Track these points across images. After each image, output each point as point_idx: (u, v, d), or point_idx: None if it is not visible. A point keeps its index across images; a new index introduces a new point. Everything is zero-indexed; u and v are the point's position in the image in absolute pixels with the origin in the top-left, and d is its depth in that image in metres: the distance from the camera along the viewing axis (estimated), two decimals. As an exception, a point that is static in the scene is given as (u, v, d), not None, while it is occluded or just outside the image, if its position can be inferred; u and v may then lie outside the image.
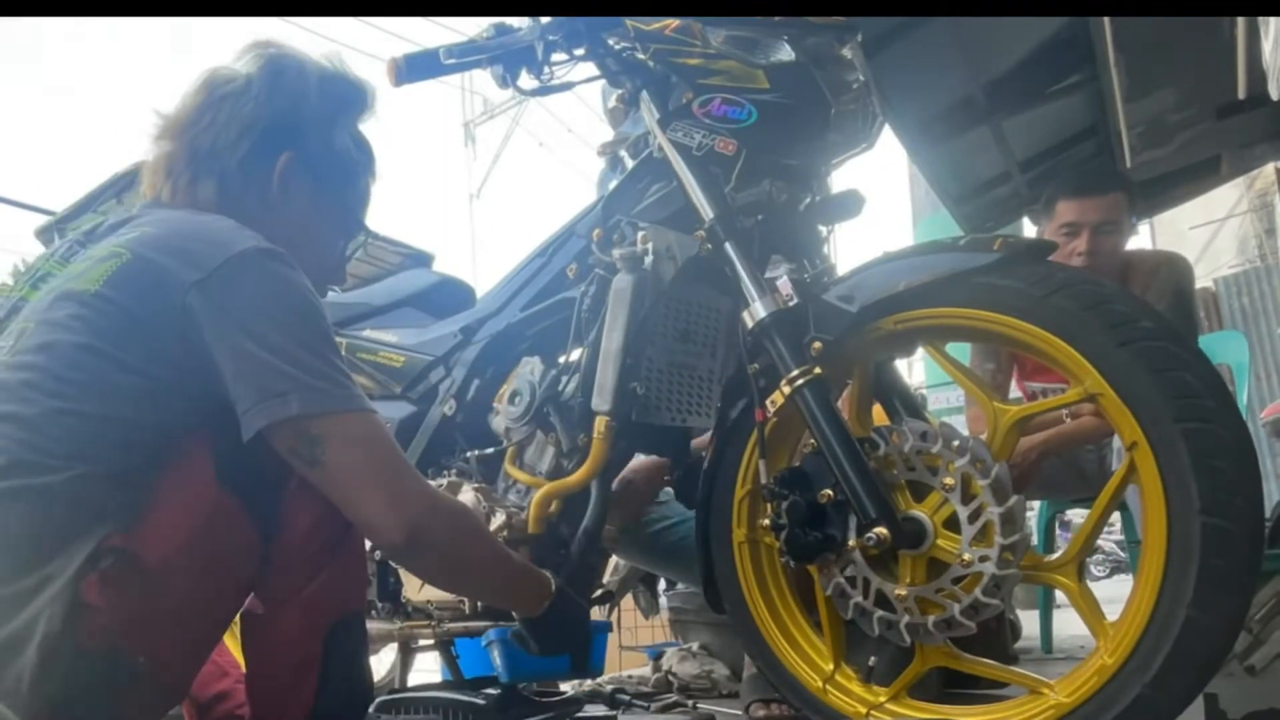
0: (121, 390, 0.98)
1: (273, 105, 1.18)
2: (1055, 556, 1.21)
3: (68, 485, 0.94)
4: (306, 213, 1.22)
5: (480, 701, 1.53)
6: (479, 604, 1.51)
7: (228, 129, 1.16)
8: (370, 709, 1.55)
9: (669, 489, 2.01)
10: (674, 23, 1.40)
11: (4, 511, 0.93)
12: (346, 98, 1.25)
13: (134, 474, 0.97)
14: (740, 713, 1.99)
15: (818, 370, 1.22)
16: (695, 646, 2.60)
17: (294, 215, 1.20)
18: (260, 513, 1.04)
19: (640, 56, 1.42)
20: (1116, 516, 2.58)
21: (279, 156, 1.18)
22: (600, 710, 2.05)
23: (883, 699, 1.27)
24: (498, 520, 1.46)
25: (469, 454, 1.60)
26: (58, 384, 0.97)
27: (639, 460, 1.81)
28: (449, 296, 1.84)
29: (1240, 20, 2.77)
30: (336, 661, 1.10)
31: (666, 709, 2.18)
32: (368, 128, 1.30)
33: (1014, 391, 2.61)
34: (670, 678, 2.52)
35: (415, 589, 1.57)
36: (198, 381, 1.00)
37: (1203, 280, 8.46)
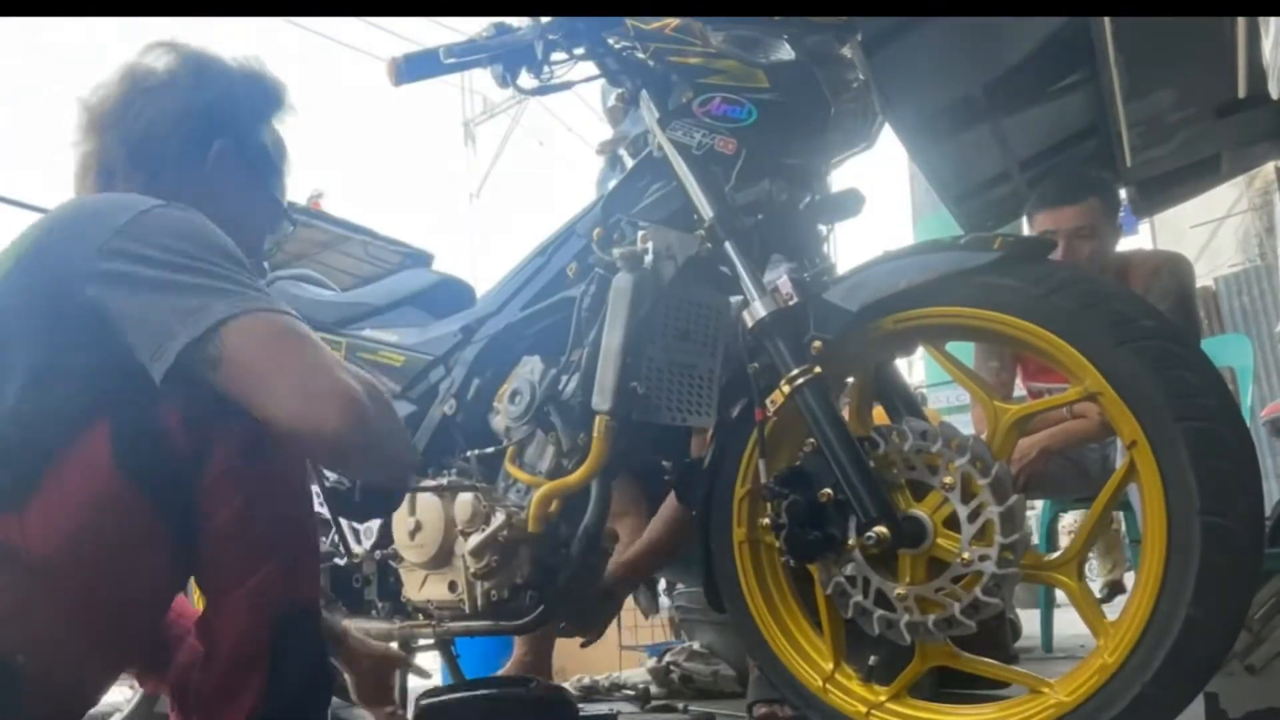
0: (14, 377, 0.96)
1: (202, 96, 1.18)
2: (1055, 555, 1.21)
3: None
4: (236, 202, 1.22)
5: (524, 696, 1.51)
6: (479, 604, 1.51)
7: (160, 120, 1.16)
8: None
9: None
10: (674, 22, 1.40)
11: None
12: (269, 93, 1.28)
13: (19, 462, 0.94)
14: (740, 714, 1.99)
15: (818, 369, 1.22)
16: (697, 645, 2.60)
17: (224, 204, 1.19)
18: (171, 501, 0.98)
19: (640, 56, 1.42)
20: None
21: (211, 145, 1.19)
22: (600, 709, 2.06)
23: (883, 698, 1.27)
24: (498, 519, 1.46)
25: (469, 453, 1.59)
26: None
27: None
28: (449, 296, 1.84)
29: (1240, 19, 2.77)
30: (286, 660, 1.03)
31: (664, 709, 2.18)
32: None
33: (1018, 391, 2.61)
34: (671, 670, 2.52)
35: (415, 588, 1.57)
36: (96, 356, 0.97)
37: (1203, 279, 8.46)
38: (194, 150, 1.18)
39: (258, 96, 1.26)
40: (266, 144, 1.28)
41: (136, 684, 1.87)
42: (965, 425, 2.80)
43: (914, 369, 8.38)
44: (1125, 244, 2.45)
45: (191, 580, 1.12)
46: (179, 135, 1.17)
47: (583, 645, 1.94)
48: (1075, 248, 2.25)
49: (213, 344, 0.94)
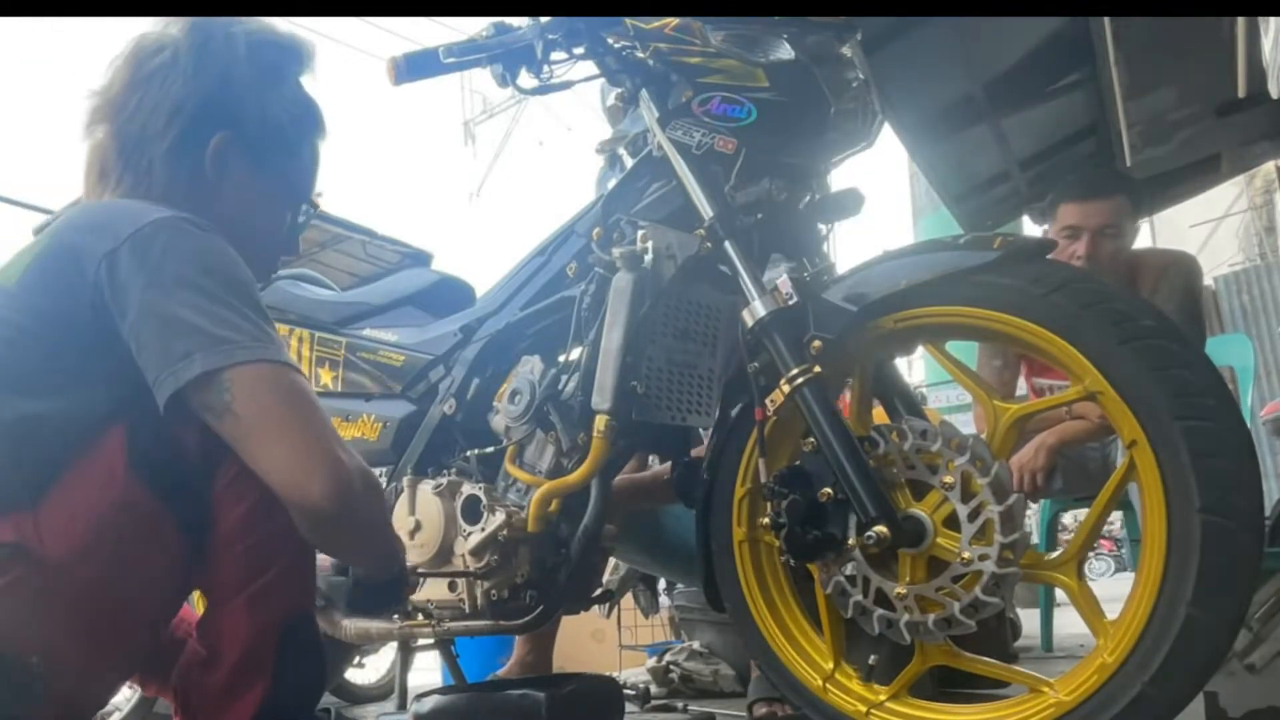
0: (32, 380, 0.96)
1: (201, 81, 1.12)
2: (1055, 555, 1.21)
3: None
4: (246, 192, 1.18)
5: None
6: (479, 603, 1.51)
7: (156, 114, 1.11)
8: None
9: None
10: (674, 22, 1.40)
11: None
12: (280, 63, 1.20)
13: (38, 465, 0.94)
14: (740, 713, 1.99)
15: (817, 369, 1.22)
16: (697, 645, 2.60)
17: (232, 196, 1.16)
18: (184, 506, 0.98)
19: (640, 55, 1.42)
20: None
21: (210, 138, 1.13)
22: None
23: (883, 698, 1.27)
24: (497, 519, 1.46)
25: (469, 453, 1.60)
26: None
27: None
28: (448, 295, 1.84)
29: (1240, 19, 2.77)
30: (288, 664, 1.05)
31: (664, 709, 2.18)
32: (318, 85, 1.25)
33: (1021, 389, 2.61)
34: (671, 670, 2.52)
35: (415, 588, 1.57)
36: (111, 362, 0.96)
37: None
38: (191, 145, 1.13)
39: (266, 71, 1.17)
40: (276, 123, 1.18)
41: (139, 687, 1.87)
42: (965, 425, 2.79)
43: (914, 369, 8.38)
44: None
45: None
46: (174, 131, 1.12)
47: None
48: (1099, 244, 2.21)
49: (215, 391, 0.94)
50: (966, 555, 1.13)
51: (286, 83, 1.21)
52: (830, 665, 1.34)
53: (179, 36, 1.14)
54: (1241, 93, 3.16)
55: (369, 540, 1.08)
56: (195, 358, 0.93)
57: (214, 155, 1.14)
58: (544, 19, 1.41)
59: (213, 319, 0.95)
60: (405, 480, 1.59)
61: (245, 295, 1.00)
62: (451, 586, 1.53)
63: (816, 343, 1.24)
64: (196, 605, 1.26)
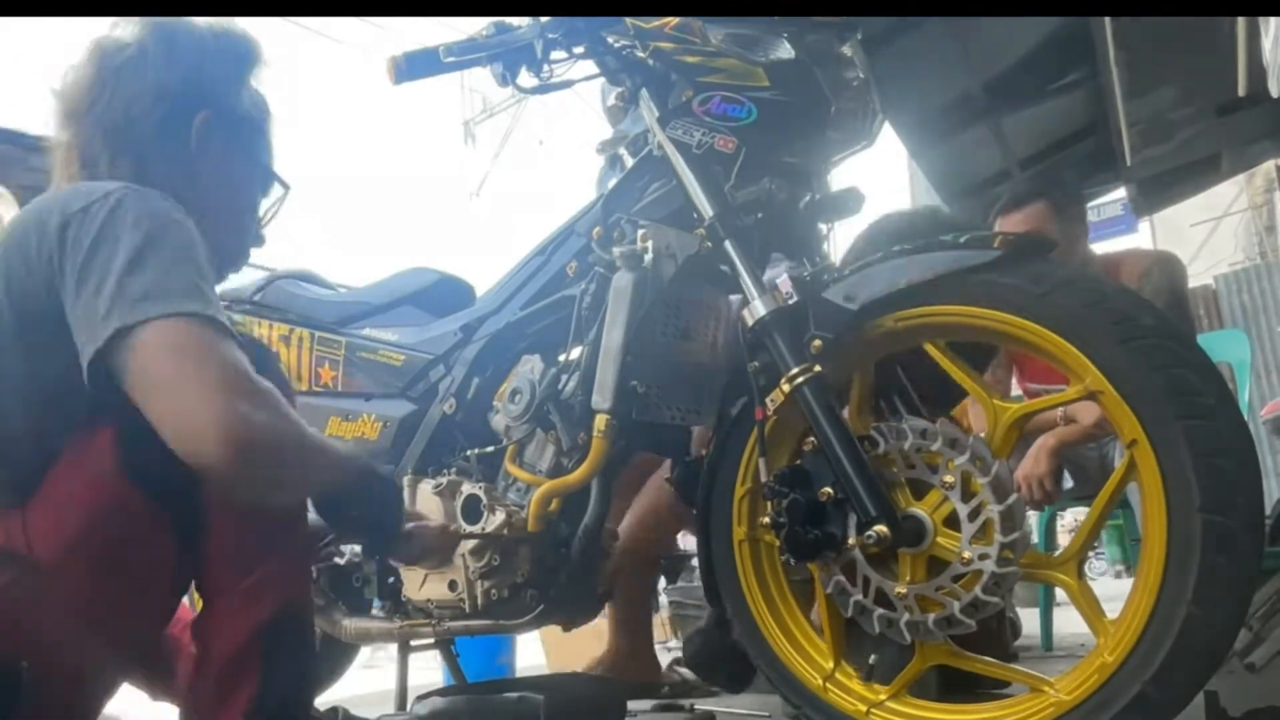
0: (9, 374, 0.95)
1: (177, 68, 1.15)
2: (1055, 554, 1.21)
3: None
4: (226, 171, 1.20)
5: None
6: (479, 603, 1.51)
7: (138, 99, 1.12)
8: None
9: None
10: (674, 21, 1.40)
11: None
12: (243, 52, 1.24)
13: (25, 464, 0.93)
14: (741, 712, 1.99)
15: (818, 368, 1.22)
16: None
17: (213, 175, 1.18)
18: (176, 505, 0.97)
19: (640, 54, 1.42)
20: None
21: (194, 117, 1.16)
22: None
23: (883, 697, 1.27)
24: (498, 518, 1.46)
25: (469, 452, 1.60)
26: None
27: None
28: (448, 294, 1.84)
29: (1240, 18, 2.76)
30: (279, 659, 1.04)
31: (666, 708, 2.17)
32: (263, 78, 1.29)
33: (1014, 392, 2.62)
34: (673, 669, 2.52)
35: (415, 588, 1.57)
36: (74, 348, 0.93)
37: (1203, 277, 8.45)
38: (176, 128, 1.14)
39: (232, 59, 1.22)
40: (246, 107, 1.23)
41: (144, 692, 1.87)
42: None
43: (914, 368, 8.35)
44: (1123, 243, 2.46)
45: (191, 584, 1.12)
46: (158, 114, 1.13)
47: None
48: None
49: (125, 352, 0.90)
50: (966, 555, 1.13)
51: (248, 72, 1.25)
52: (830, 665, 1.34)
53: (142, 34, 1.16)
54: (1242, 92, 3.16)
55: (284, 484, 1.00)
56: (111, 317, 0.90)
57: (198, 133, 1.16)
58: (544, 18, 1.41)
59: (139, 276, 0.92)
60: (405, 480, 1.59)
61: (184, 254, 0.97)
62: (452, 586, 1.52)
63: (817, 342, 1.24)
64: (196, 605, 1.26)
